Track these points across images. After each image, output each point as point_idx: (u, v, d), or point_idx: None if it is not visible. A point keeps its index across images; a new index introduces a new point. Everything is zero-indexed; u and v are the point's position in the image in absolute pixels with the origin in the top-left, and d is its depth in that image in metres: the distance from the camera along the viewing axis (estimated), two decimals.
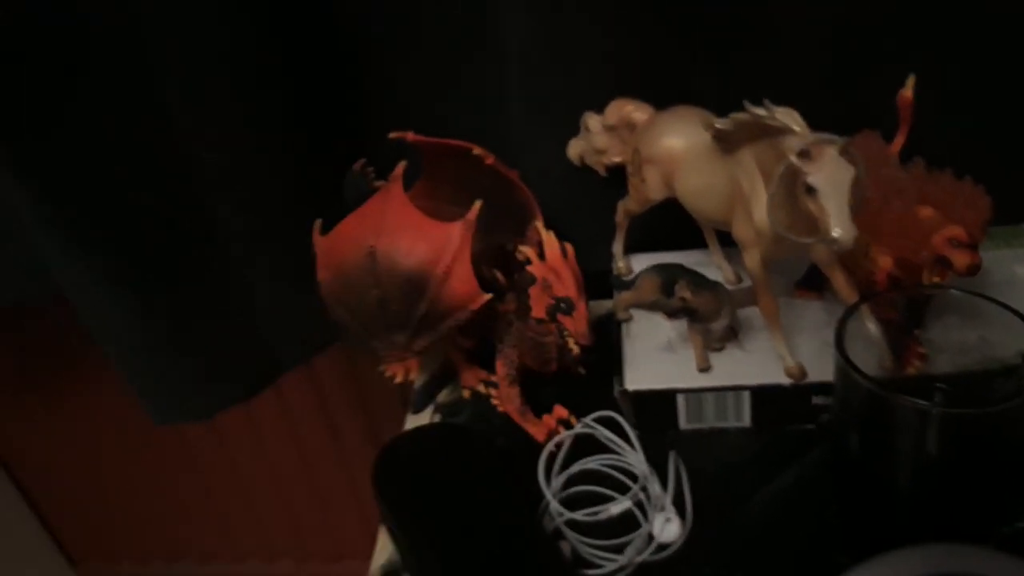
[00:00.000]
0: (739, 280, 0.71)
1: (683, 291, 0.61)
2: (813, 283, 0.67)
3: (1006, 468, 0.46)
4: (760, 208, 0.54)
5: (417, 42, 0.74)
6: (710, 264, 0.72)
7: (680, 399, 0.63)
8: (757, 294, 0.60)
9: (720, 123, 0.55)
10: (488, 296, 0.62)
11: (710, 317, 0.62)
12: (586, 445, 0.64)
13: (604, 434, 0.64)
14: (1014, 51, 0.67)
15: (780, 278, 0.65)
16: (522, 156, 0.74)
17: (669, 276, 0.63)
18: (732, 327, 0.65)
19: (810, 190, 0.49)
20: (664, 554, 0.56)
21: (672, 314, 0.62)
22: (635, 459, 0.62)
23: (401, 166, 0.64)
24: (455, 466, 0.61)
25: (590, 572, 0.56)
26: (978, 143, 0.66)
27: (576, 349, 0.61)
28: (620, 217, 0.71)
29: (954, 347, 0.52)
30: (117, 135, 0.73)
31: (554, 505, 0.59)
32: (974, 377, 0.51)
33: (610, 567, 0.56)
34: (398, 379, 0.66)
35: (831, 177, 0.49)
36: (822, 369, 0.60)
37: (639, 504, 0.59)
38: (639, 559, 0.56)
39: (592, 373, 0.68)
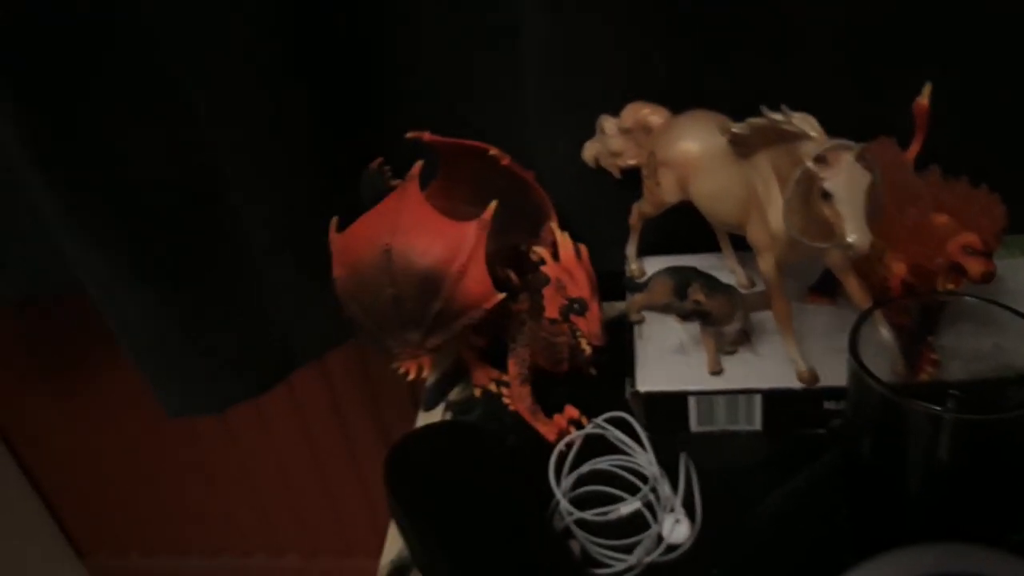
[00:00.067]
0: (752, 284, 0.72)
1: (697, 294, 0.61)
2: (826, 288, 0.67)
3: (1018, 475, 0.46)
4: (775, 213, 0.55)
5: (436, 42, 0.74)
6: (723, 268, 0.72)
7: (691, 401, 0.63)
8: (770, 298, 0.60)
9: (737, 127, 0.56)
10: (502, 296, 0.63)
11: (723, 320, 0.62)
12: (596, 445, 0.64)
13: (615, 435, 0.64)
14: None
15: (793, 283, 0.65)
16: (538, 157, 0.74)
17: (682, 279, 0.64)
18: (745, 331, 0.65)
19: (826, 195, 0.49)
20: (673, 555, 0.57)
21: (685, 316, 0.62)
22: (645, 460, 0.62)
23: (418, 165, 0.64)
24: (466, 464, 0.62)
25: (599, 572, 0.56)
26: (994, 152, 0.66)
27: (588, 350, 0.61)
28: (634, 219, 0.72)
29: (967, 354, 0.52)
30: (138, 130, 0.73)
31: (564, 504, 0.60)
32: (987, 384, 0.51)
33: (619, 567, 0.56)
34: (411, 376, 0.66)
35: (847, 183, 0.49)
36: (834, 374, 0.61)
37: (649, 505, 0.60)
38: (648, 559, 0.56)
39: (604, 374, 0.68)
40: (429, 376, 0.71)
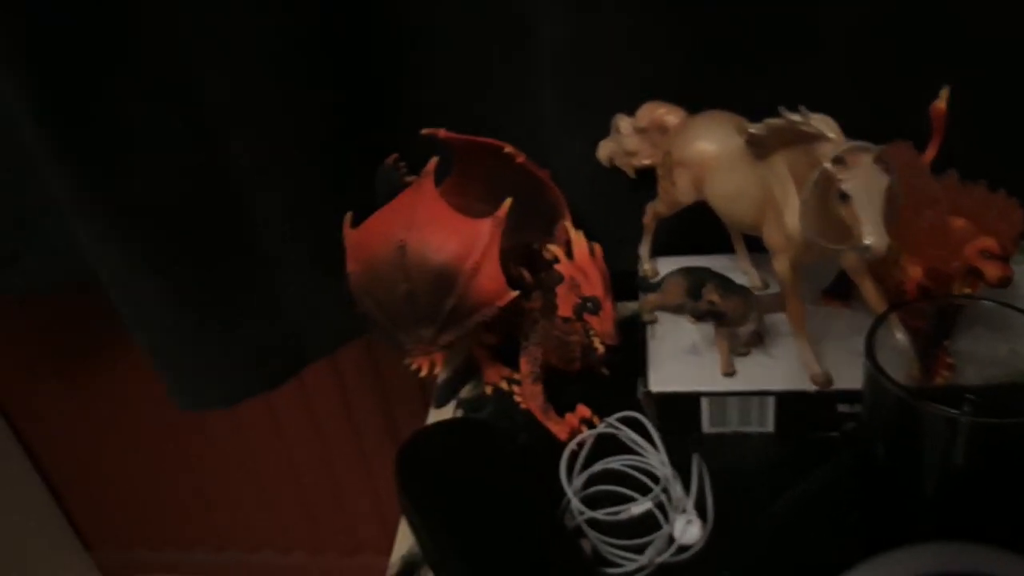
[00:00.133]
0: (765, 286, 0.71)
1: (712, 294, 0.61)
2: (840, 291, 0.67)
3: None
4: (792, 214, 0.55)
5: (454, 40, 0.74)
6: (736, 269, 0.72)
7: (704, 402, 0.63)
8: (785, 300, 0.60)
9: (755, 128, 0.55)
10: (515, 293, 0.63)
11: (737, 321, 0.62)
12: (608, 445, 0.64)
13: (626, 434, 0.64)
14: None
15: (808, 285, 0.65)
16: (552, 156, 0.74)
17: (696, 279, 0.64)
18: (758, 332, 0.65)
19: (844, 197, 0.49)
20: (684, 556, 0.56)
21: (699, 317, 0.62)
22: (657, 460, 0.62)
23: (433, 162, 0.64)
24: (477, 461, 0.62)
25: (610, 571, 0.56)
26: (1012, 156, 0.66)
27: (601, 349, 0.61)
28: (648, 219, 0.72)
29: (983, 359, 0.52)
30: (155, 122, 0.73)
31: (575, 503, 0.60)
32: (1002, 389, 0.51)
33: (630, 567, 0.56)
34: (423, 372, 0.66)
35: (865, 185, 0.49)
36: (847, 377, 0.61)
37: (660, 505, 0.60)
38: (659, 560, 0.56)
39: (616, 374, 0.68)
40: (441, 373, 0.71)
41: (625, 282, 0.71)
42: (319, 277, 0.83)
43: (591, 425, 0.66)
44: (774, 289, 0.69)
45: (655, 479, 0.61)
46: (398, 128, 0.76)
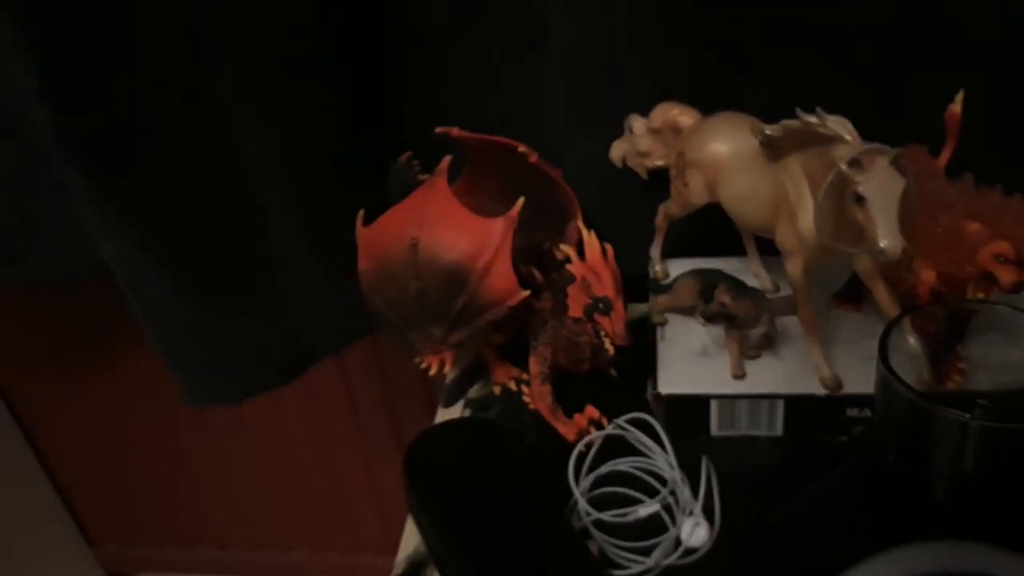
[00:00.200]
0: (776, 289, 0.71)
1: (724, 296, 0.61)
2: (852, 295, 0.67)
3: None
4: (806, 216, 0.54)
5: (466, 39, 0.74)
6: (747, 271, 0.72)
7: (713, 405, 0.63)
8: (797, 303, 0.60)
9: (770, 130, 0.55)
10: (526, 293, 0.63)
11: (749, 324, 0.62)
12: (616, 446, 0.64)
13: (635, 436, 0.64)
14: None
15: (819, 289, 0.65)
16: (565, 156, 0.74)
17: (708, 281, 0.64)
18: (768, 335, 0.65)
19: (859, 199, 0.49)
20: (691, 558, 0.56)
21: (711, 319, 0.62)
22: (665, 462, 0.62)
23: (446, 160, 0.64)
24: (485, 461, 0.61)
25: (617, 573, 0.56)
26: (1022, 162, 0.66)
27: (611, 350, 0.61)
28: (660, 220, 0.71)
29: (995, 364, 0.52)
30: (165, 116, 0.74)
31: (582, 504, 0.59)
32: (1014, 394, 0.51)
33: (636, 569, 0.56)
34: (433, 371, 0.66)
35: (881, 187, 0.49)
36: (857, 381, 0.61)
37: (667, 508, 0.59)
38: (666, 562, 0.56)
39: (625, 375, 0.68)
40: (450, 372, 0.71)
41: (635, 284, 0.70)
42: (326, 276, 0.83)
43: (599, 426, 0.66)
44: (785, 292, 0.69)
45: (663, 481, 0.61)
46: (411, 126, 0.76)
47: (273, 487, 1.42)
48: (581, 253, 0.62)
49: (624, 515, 0.59)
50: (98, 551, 1.61)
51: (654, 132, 0.69)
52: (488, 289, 0.62)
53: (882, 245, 0.48)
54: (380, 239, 0.65)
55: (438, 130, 0.68)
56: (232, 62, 0.72)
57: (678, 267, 0.72)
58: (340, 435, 1.30)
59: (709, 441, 0.64)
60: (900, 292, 0.59)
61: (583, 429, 0.65)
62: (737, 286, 0.62)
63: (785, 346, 0.66)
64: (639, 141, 0.70)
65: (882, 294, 0.57)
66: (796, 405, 0.62)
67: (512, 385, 0.72)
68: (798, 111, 0.52)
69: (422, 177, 0.69)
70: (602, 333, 0.61)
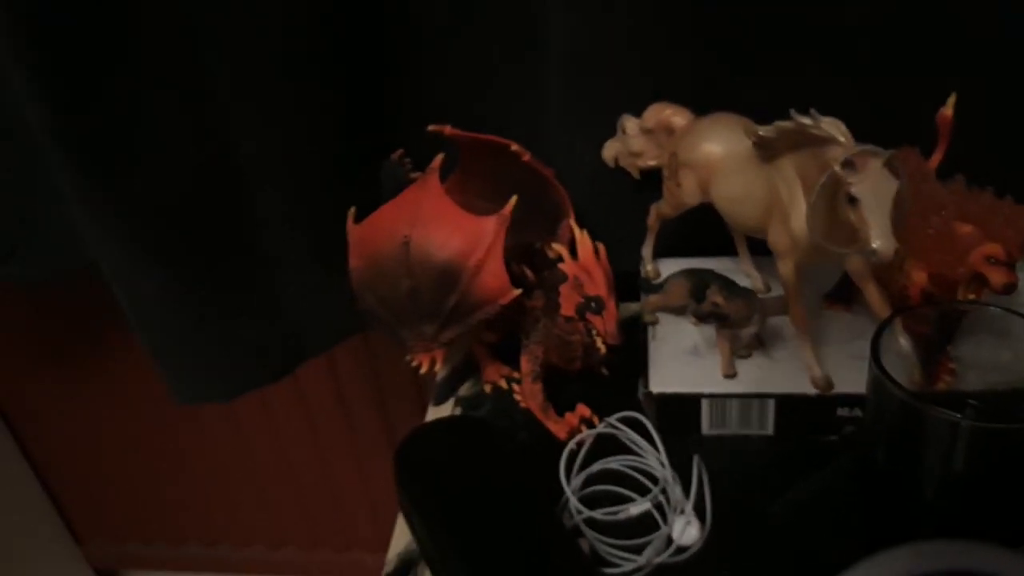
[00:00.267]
0: (768, 289, 0.72)
1: (716, 296, 0.61)
2: (843, 296, 0.67)
3: None
4: (798, 216, 0.55)
5: (468, 39, 0.74)
6: (738, 271, 0.72)
7: (704, 404, 0.63)
8: (788, 303, 0.60)
9: (764, 130, 0.56)
10: (518, 292, 0.63)
11: (740, 323, 0.62)
12: (608, 445, 0.64)
13: (626, 435, 0.64)
14: None
15: (810, 289, 0.65)
16: (557, 155, 0.74)
17: (699, 281, 0.64)
18: (759, 335, 0.65)
19: (852, 200, 0.49)
20: (683, 556, 0.56)
21: (702, 318, 0.62)
22: (656, 461, 0.62)
23: (439, 158, 0.64)
24: (476, 459, 0.61)
25: (608, 571, 0.56)
26: (1019, 163, 0.66)
27: (603, 348, 0.61)
28: (652, 220, 0.72)
29: (985, 364, 0.52)
30: (165, 116, 0.73)
31: (573, 503, 0.60)
32: (1004, 395, 0.51)
33: (628, 567, 0.56)
34: (423, 369, 0.66)
35: (874, 188, 0.49)
36: (848, 381, 0.61)
37: (659, 506, 0.60)
38: (657, 560, 0.56)
39: (616, 374, 0.68)
40: (440, 370, 0.71)
41: (627, 283, 0.71)
42: (319, 274, 0.83)
43: (591, 425, 0.66)
44: (777, 292, 0.69)
45: (654, 480, 0.61)
46: (404, 124, 0.76)
47: (264, 484, 1.42)
48: (573, 252, 0.62)
49: (615, 513, 0.59)
50: (86, 548, 1.61)
51: (647, 132, 0.69)
52: (480, 287, 0.62)
53: (874, 246, 0.49)
54: (371, 236, 0.65)
55: (430, 128, 0.68)
56: (232, 62, 0.72)
57: (670, 267, 0.72)
58: (330, 433, 1.30)
59: (700, 440, 0.64)
60: (891, 293, 0.59)
61: (574, 427, 0.65)
62: (729, 286, 0.62)
63: (776, 346, 0.66)
64: (632, 141, 0.70)
65: (873, 295, 0.58)
66: (787, 404, 0.62)
67: (503, 383, 0.72)
68: (792, 112, 0.53)
69: (414, 175, 0.69)
70: (594, 332, 0.61)
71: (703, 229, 0.69)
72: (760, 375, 0.64)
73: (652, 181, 0.70)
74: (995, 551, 0.42)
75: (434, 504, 0.57)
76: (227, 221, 0.80)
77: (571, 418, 0.66)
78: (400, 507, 0.61)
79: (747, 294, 0.63)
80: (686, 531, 0.57)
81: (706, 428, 0.64)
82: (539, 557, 0.54)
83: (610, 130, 0.72)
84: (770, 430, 0.63)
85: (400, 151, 0.71)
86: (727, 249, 0.74)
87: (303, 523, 1.46)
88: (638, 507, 0.60)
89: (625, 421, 0.65)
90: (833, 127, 0.51)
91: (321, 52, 0.73)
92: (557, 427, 0.66)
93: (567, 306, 0.62)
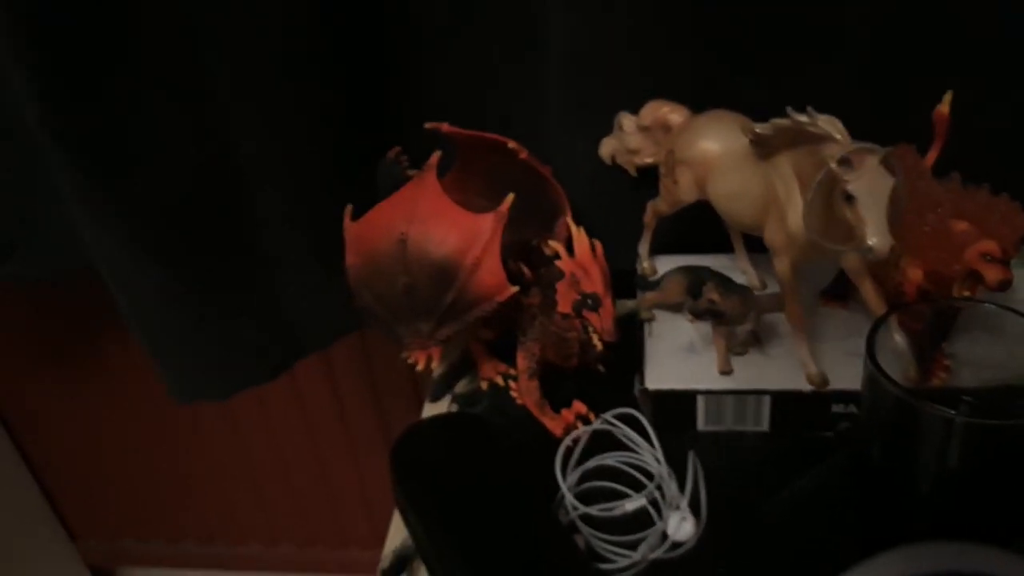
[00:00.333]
0: (764, 286, 0.72)
1: (712, 293, 0.61)
2: (839, 293, 0.68)
3: None
4: (795, 214, 0.55)
5: (468, 39, 0.74)
6: (734, 269, 0.72)
7: (700, 400, 0.63)
8: (784, 300, 0.60)
9: (760, 128, 0.56)
10: (515, 289, 0.63)
11: (736, 320, 0.62)
12: (603, 441, 0.64)
13: (622, 431, 0.64)
14: None
15: (806, 286, 0.65)
16: (554, 153, 0.74)
17: (696, 278, 0.64)
18: (755, 332, 0.65)
19: (849, 198, 0.50)
20: (677, 552, 0.57)
21: (698, 315, 0.62)
22: (651, 457, 0.62)
23: (436, 155, 0.64)
24: (472, 456, 0.61)
25: (603, 567, 0.56)
26: (1016, 161, 0.66)
27: (600, 345, 0.61)
28: (649, 217, 0.72)
29: (980, 361, 0.52)
30: (165, 116, 0.73)
31: (569, 499, 0.60)
32: (999, 391, 0.51)
33: (623, 563, 0.56)
34: (420, 366, 0.66)
35: (871, 186, 0.49)
36: (843, 377, 0.61)
37: (654, 502, 0.60)
38: (652, 556, 0.56)
39: (612, 371, 0.68)
40: (437, 368, 0.71)
41: (623, 280, 0.71)
42: (319, 274, 0.83)
43: (587, 421, 0.66)
44: (773, 289, 0.70)
45: (650, 476, 0.61)
46: (401, 122, 0.76)
47: (259, 482, 1.41)
48: (570, 249, 0.62)
49: (611, 509, 0.59)
50: (81, 545, 1.60)
51: (644, 129, 0.69)
52: (477, 285, 0.62)
53: (870, 243, 0.49)
54: (368, 234, 0.65)
55: (428, 125, 0.68)
56: (232, 62, 0.72)
57: (666, 264, 0.73)
58: (326, 430, 1.30)
59: (696, 436, 0.64)
60: (887, 290, 0.59)
61: (570, 424, 0.66)
62: (725, 283, 0.62)
63: (772, 343, 0.66)
64: (628, 138, 0.70)
65: (869, 292, 0.58)
66: (782, 401, 0.62)
67: (500, 380, 0.72)
68: (789, 110, 0.53)
69: (411, 172, 0.69)
70: (590, 329, 0.61)
71: (700, 226, 0.70)
72: (756, 372, 0.64)
73: (649, 178, 0.70)
74: (991, 552, 0.42)
75: (430, 501, 0.57)
76: (227, 221, 0.79)
77: (567, 415, 0.66)
78: (396, 504, 0.61)
79: (743, 291, 0.63)
80: (681, 527, 0.57)
81: (702, 424, 0.64)
82: (535, 553, 0.54)
83: (607, 128, 0.72)
84: (765, 426, 0.64)
85: (397, 148, 0.70)
86: (723, 246, 0.74)
87: (299, 520, 1.46)
88: (633, 503, 0.60)
89: (621, 417, 0.65)
90: (830, 125, 0.51)
91: (321, 52, 0.73)
92: (553, 424, 0.66)
93: (564, 303, 0.62)
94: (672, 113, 0.67)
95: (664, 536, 0.57)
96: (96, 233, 0.77)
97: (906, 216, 0.54)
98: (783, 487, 0.59)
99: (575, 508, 0.59)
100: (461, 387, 0.73)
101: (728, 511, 0.58)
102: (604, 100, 0.71)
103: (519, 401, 0.69)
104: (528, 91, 0.75)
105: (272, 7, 0.70)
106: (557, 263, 0.62)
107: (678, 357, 0.66)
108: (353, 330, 0.90)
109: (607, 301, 0.61)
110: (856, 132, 0.52)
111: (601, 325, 0.61)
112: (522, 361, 0.67)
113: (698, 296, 0.62)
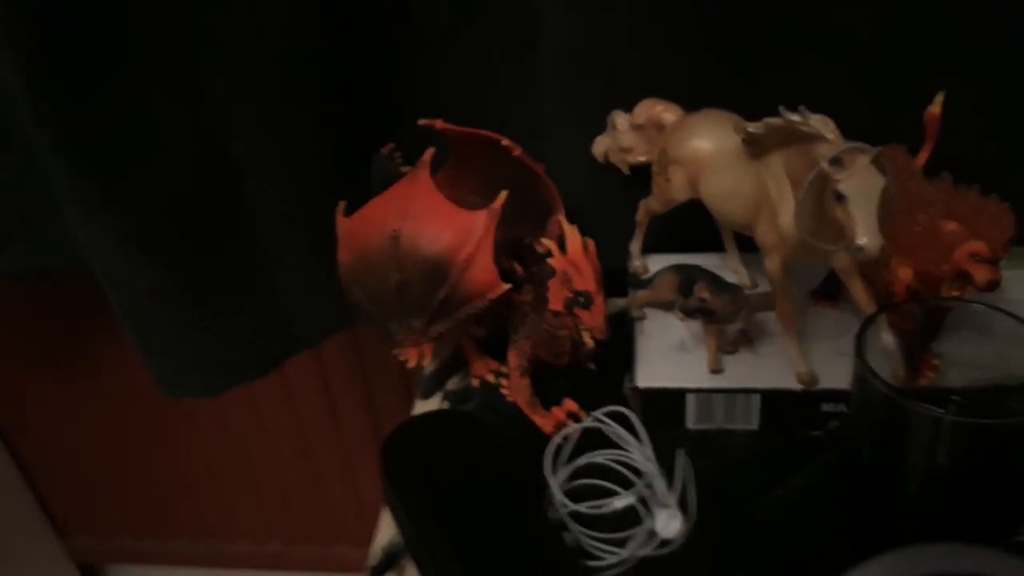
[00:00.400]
0: (755, 285, 0.72)
1: (703, 291, 0.61)
2: (830, 292, 0.68)
3: (1016, 480, 0.47)
4: (786, 213, 0.55)
5: (468, 39, 0.74)
6: (726, 268, 0.73)
7: (690, 398, 0.63)
8: (775, 299, 0.61)
9: (753, 127, 0.56)
10: (507, 286, 0.63)
11: (727, 319, 0.63)
12: (593, 439, 0.64)
13: (612, 429, 0.64)
14: None
15: (797, 285, 0.65)
16: (548, 150, 0.74)
17: (687, 276, 0.64)
18: (745, 331, 0.65)
19: (840, 197, 0.50)
20: (666, 550, 0.57)
21: (689, 314, 0.63)
22: (641, 455, 0.62)
23: (429, 152, 0.64)
24: (462, 453, 0.62)
25: (592, 563, 0.56)
26: (1006, 162, 0.67)
27: (591, 343, 0.61)
28: (641, 216, 0.72)
29: (968, 361, 0.52)
30: (159, 113, 0.73)
31: (559, 496, 0.60)
32: (987, 391, 0.52)
33: (611, 560, 0.56)
34: (412, 363, 0.66)
35: (861, 185, 0.49)
36: (833, 377, 0.61)
37: (643, 500, 0.60)
38: (641, 553, 0.56)
39: (603, 369, 0.68)
40: (428, 365, 0.71)
41: (615, 278, 0.71)
42: (319, 273, 0.82)
43: (577, 419, 0.66)
44: (764, 288, 0.70)
45: (639, 474, 0.61)
46: (395, 119, 0.76)
47: (250, 479, 1.41)
48: (563, 247, 0.62)
49: (600, 507, 0.60)
50: (69, 542, 1.60)
51: (637, 128, 0.69)
52: (469, 282, 0.62)
53: (861, 243, 0.49)
54: (361, 230, 0.65)
55: (421, 122, 0.68)
56: (232, 62, 0.72)
57: (658, 262, 0.73)
58: (317, 427, 1.30)
59: (685, 434, 0.65)
60: (877, 289, 0.59)
61: (561, 422, 0.66)
62: (716, 282, 0.63)
63: (762, 342, 0.66)
64: (622, 137, 0.70)
65: (859, 291, 0.58)
66: (772, 400, 0.62)
67: (491, 378, 0.72)
68: (781, 109, 0.53)
69: (404, 169, 0.69)
70: (581, 327, 0.61)
71: (691, 225, 0.70)
72: (746, 370, 0.64)
73: (641, 177, 0.70)
74: (984, 552, 0.43)
75: (420, 498, 0.57)
76: (226, 221, 0.79)
77: (558, 412, 0.66)
78: (386, 501, 0.61)
79: (734, 290, 0.63)
80: (669, 525, 0.57)
81: (691, 423, 0.65)
82: (524, 550, 0.54)
83: (600, 126, 0.72)
84: (755, 425, 0.64)
85: (390, 145, 0.70)
86: (715, 245, 0.74)
87: (289, 517, 1.46)
88: (622, 501, 0.60)
89: (611, 415, 0.65)
90: (821, 124, 0.51)
91: (321, 52, 0.73)
92: (544, 421, 0.66)
93: (555, 301, 0.62)
94: (665, 112, 0.67)
95: (652, 534, 0.57)
96: (91, 232, 0.77)
97: (896, 216, 0.54)
98: (772, 486, 0.59)
99: (564, 505, 0.59)
100: (452, 384, 0.73)
101: (717, 509, 0.58)
102: (604, 100, 0.71)
103: (510, 398, 0.69)
104: (528, 91, 0.75)
105: (272, 7, 0.69)
106: (549, 261, 0.62)
107: (669, 355, 0.66)
108: (344, 327, 0.90)
109: (598, 299, 0.61)
110: (856, 132, 0.52)
111: (592, 323, 0.61)
112: (513, 359, 0.67)
113: (689, 295, 0.62)
